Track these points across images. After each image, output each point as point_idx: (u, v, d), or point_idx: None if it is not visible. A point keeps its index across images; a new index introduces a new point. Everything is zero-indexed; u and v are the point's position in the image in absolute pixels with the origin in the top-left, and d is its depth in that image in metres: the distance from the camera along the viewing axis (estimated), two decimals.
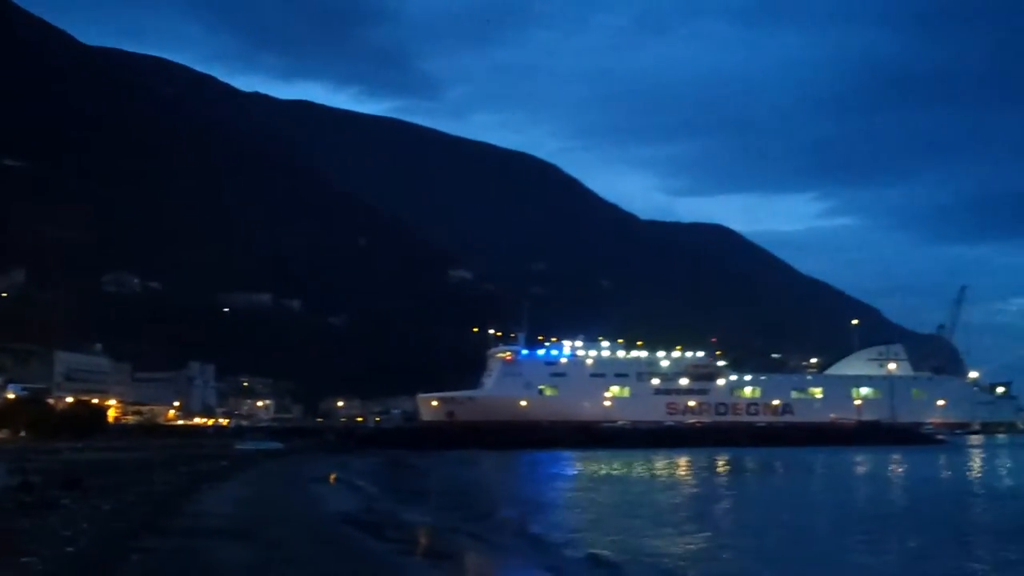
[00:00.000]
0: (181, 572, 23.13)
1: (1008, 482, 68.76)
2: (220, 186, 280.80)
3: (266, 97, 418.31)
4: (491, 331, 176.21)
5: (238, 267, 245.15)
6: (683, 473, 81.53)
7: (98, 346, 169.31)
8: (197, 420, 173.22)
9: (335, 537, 32.27)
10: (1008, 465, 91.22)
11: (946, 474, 78.92)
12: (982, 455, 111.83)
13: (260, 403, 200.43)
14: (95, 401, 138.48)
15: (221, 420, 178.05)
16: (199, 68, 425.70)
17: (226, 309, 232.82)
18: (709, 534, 37.29)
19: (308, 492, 53.52)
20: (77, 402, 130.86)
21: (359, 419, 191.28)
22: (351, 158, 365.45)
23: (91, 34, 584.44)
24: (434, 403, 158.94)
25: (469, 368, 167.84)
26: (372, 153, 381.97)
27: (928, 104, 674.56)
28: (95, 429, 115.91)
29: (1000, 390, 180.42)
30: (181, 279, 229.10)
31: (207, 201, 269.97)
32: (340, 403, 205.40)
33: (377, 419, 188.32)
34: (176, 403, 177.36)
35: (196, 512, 37.22)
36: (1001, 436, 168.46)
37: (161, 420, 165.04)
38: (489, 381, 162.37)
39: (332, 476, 69.30)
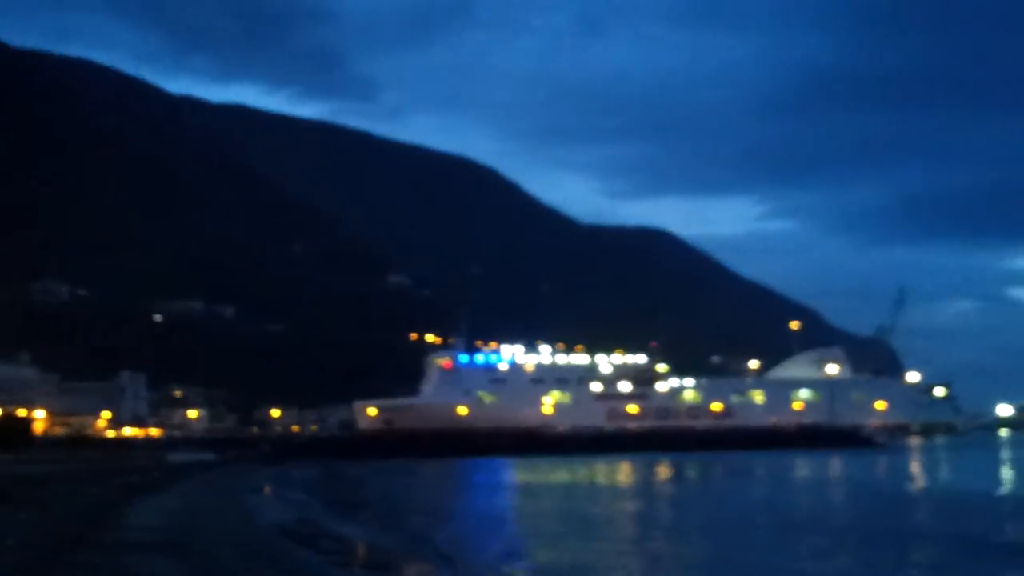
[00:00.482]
0: None
1: (945, 485, 68.50)
2: (151, 192, 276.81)
3: (198, 100, 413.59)
4: (429, 337, 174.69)
5: (170, 274, 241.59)
6: (623, 479, 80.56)
7: (25, 356, 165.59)
8: (128, 431, 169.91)
9: (268, 550, 31.08)
10: (945, 468, 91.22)
11: (884, 478, 78.57)
12: (921, 458, 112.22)
13: (193, 413, 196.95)
14: (22, 413, 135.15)
15: (153, 431, 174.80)
16: (128, 70, 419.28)
17: (157, 317, 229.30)
18: (643, 542, 36.32)
19: (242, 504, 51.91)
20: (3, 414, 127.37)
21: (295, 428, 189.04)
22: (286, 162, 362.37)
23: (16, 35, 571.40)
24: (372, 411, 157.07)
25: (407, 375, 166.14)
26: (308, 157, 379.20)
27: (865, 107, 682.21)
28: (22, 441, 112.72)
29: (939, 392, 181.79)
30: (111, 287, 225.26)
31: (138, 207, 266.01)
32: (275, 412, 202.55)
33: (313, 428, 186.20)
34: (106, 414, 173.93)
35: (126, 525, 36.12)
36: (940, 438, 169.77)
37: (91, 431, 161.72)
38: (428, 388, 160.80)
39: (266, 488, 67.56)
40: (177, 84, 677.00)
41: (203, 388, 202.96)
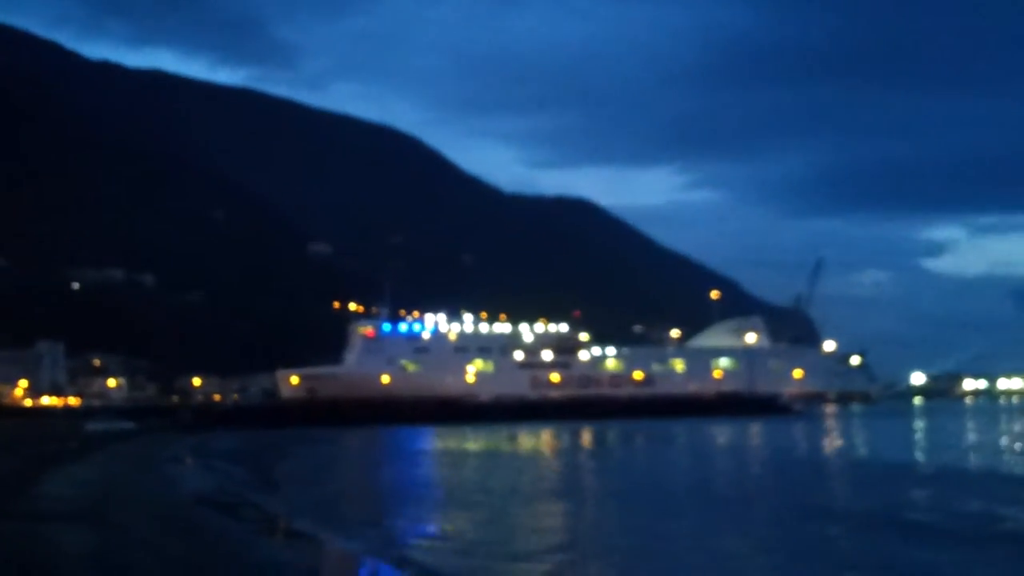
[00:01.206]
0: (22, 556, 21.80)
1: (859, 453, 69.94)
2: (67, 159, 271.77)
3: (115, 66, 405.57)
4: (352, 306, 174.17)
5: (88, 243, 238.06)
6: (545, 447, 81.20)
7: None
8: (46, 400, 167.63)
9: (186, 519, 30.95)
10: (860, 436, 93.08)
11: (800, 445, 79.96)
12: (836, 425, 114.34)
13: (112, 382, 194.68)
14: None
15: (71, 400, 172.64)
16: (42, 34, 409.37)
17: (76, 285, 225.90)
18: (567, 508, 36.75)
19: (161, 473, 51.57)
20: None
21: (217, 397, 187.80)
22: (206, 130, 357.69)
23: None
24: (294, 380, 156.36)
25: (330, 344, 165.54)
26: (228, 125, 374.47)
27: (785, 80, 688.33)
28: None
29: (855, 361, 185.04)
30: (27, 255, 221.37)
31: (53, 175, 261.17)
32: (197, 381, 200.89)
33: (235, 397, 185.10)
34: (23, 382, 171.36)
35: (41, 495, 35.85)
36: (855, 406, 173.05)
37: (7, 400, 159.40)
38: (351, 357, 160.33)
39: (187, 457, 67.14)
40: (94, 49, 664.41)
41: (123, 357, 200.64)
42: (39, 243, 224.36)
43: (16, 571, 20.26)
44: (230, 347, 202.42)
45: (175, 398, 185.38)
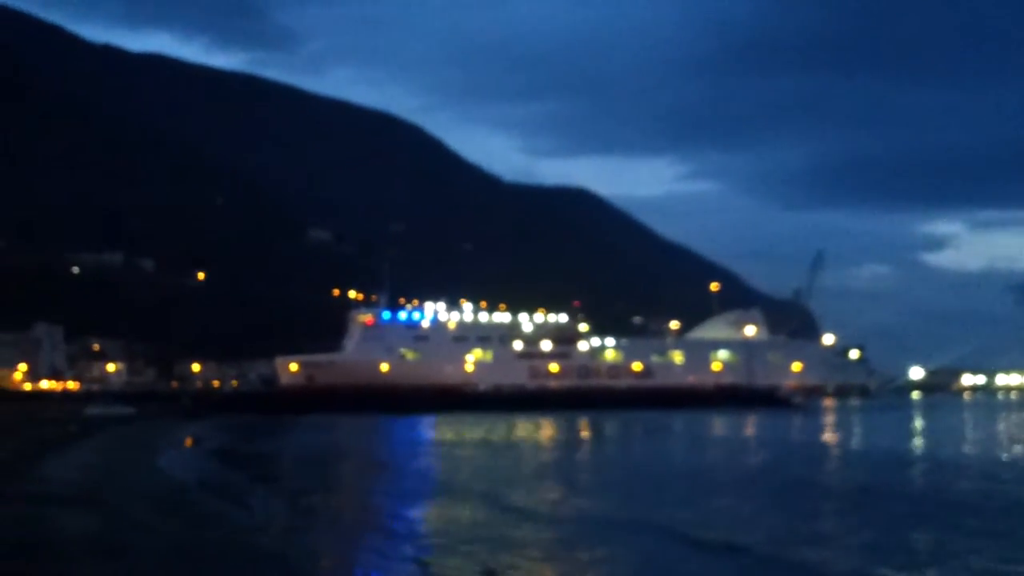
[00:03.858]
0: (23, 539, 21.84)
1: (856, 444, 70.25)
2: (67, 142, 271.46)
3: (116, 49, 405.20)
4: (351, 293, 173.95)
5: (88, 227, 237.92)
6: (543, 436, 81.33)
7: None
8: (45, 384, 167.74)
9: (185, 504, 30.99)
10: (858, 428, 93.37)
11: (798, 436, 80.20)
12: (834, 418, 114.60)
13: (112, 367, 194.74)
14: None
15: (70, 384, 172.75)
16: (43, 15, 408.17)
17: (75, 269, 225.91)
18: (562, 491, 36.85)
19: (160, 458, 51.62)
20: None
21: (215, 383, 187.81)
22: (205, 114, 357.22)
23: None
24: (293, 367, 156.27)
25: (329, 331, 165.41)
26: (228, 110, 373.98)
27: (785, 70, 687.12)
28: None
29: (853, 354, 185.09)
30: (27, 239, 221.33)
31: (54, 159, 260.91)
32: (196, 367, 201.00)
33: (234, 383, 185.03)
34: (23, 366, 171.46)
35: (41, 478, 35.89)
36: (853, 400, 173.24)
37: (6, 384, 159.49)
38: (350, 344, 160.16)
39: (188, 441, 67.25)
40: (93, 31, 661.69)
41: (122, 342, 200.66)
42: (38, 227, 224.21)
43: (18, 553, 20.36)
44: (229, 333, 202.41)
45: (174, 383, 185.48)
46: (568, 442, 74.21)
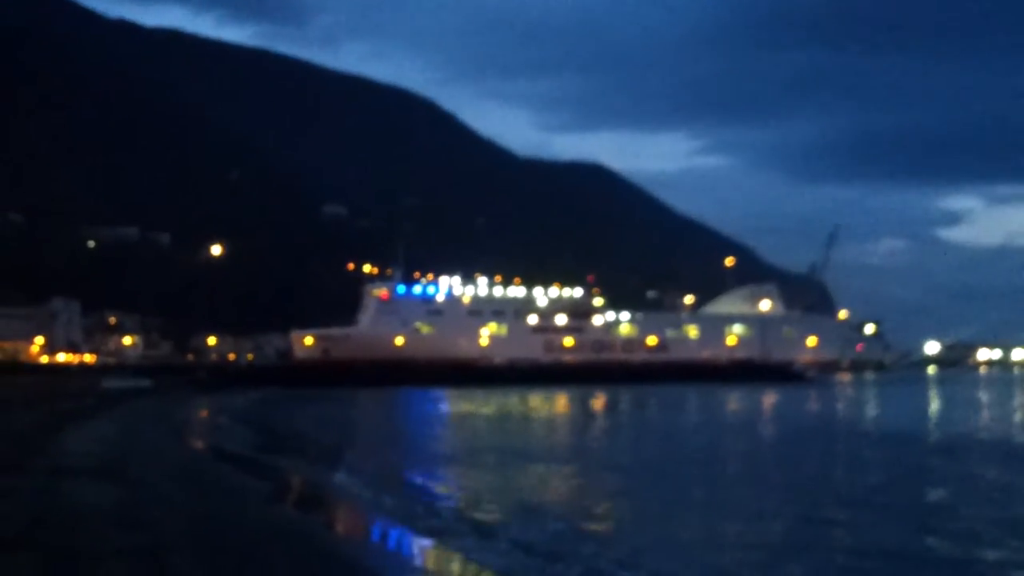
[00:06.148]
0: (44, 512, 22.05)
1: (872, 419, 70.20)
2: (84, 118, 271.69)
3: (132, 24, 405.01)
4: (366, 268, 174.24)
5: (103, 201, 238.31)
6: (558, 410, 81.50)
7: None
8: (62, 357, 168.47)
9: (204, 476, 31.17)
10: (873, 403, 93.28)
11: (813, 411, 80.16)
12: (850, 393, 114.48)
13: (128, 340, 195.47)
14: None
15: (87, 357, 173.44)
16: None
17: (91, 243, 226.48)
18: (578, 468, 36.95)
19: (178, 431, 51.88)
20: None
21: (231, 356, 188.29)
22: (221, 89, 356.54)
23: None
24: (308, 340, 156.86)
25: (343, 305, 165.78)
26: (242, 84, 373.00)
27: (801, 44, 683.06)
28: None
29: (869, 329, 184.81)
30: (44, 213, 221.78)
31: (70, 134, 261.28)
32: (211, 340, 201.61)
33: (250, 356, 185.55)
34: (39, 339, 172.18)
35: (60, 451, 36.01)
36: (869, 374, 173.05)
37: (24, 357, 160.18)
38: (365, 318, 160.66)
39: (204, 413, 67.57)
40: (102, 3, 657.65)
41: (138, 315, 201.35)
42: (55, 201, 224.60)
43: (38, 526, 20.51)
44: (244, 307, 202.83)
45: (190, 356, 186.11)
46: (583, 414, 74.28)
